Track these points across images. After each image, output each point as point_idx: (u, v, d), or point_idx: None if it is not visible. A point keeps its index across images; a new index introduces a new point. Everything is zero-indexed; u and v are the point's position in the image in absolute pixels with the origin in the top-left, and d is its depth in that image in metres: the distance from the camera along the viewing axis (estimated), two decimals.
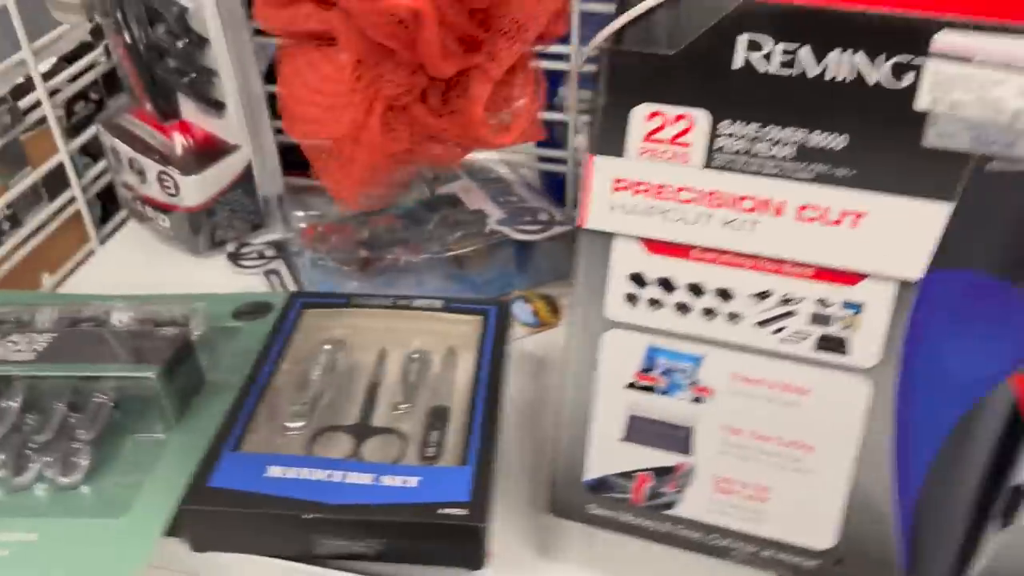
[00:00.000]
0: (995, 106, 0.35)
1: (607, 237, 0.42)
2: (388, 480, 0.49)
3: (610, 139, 0.41)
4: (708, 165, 0.40)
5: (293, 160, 0.75)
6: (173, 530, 0.48)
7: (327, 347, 0.61)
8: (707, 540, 0.46)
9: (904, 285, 0.39)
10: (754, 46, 0.37)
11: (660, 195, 0.41)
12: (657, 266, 0.42)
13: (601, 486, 0.47)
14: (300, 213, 0.74)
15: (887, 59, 0.36)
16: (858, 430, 0.41)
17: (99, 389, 0.55)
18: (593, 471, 0.46)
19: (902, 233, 0.38)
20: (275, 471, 0.49)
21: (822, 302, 0.40)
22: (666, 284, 0.42)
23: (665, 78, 0.39)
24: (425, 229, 0.71)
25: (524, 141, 0.43)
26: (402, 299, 0.63)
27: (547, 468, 0.47)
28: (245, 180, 0.77)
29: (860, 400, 0.41)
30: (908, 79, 0.36)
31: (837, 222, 0.39)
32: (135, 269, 0.77)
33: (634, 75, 0.39)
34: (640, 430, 0.45)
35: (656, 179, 0.41)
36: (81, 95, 0.83)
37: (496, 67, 0.39)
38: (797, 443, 0.43)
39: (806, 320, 0.41)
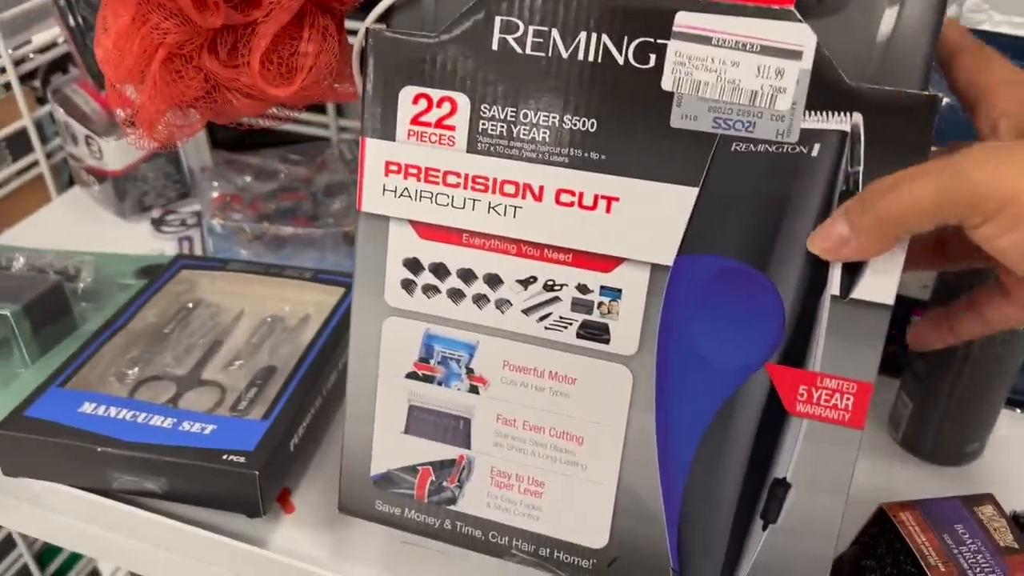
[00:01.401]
0: (734, 86, 0.34)
1: (383, 221, 0.41)
2: (187, 426, 0.50)
3: (380, 122, 0.39)
4: (472, 149, 0.38)
5: (226, 136, 0.78)
6: None
7: (190, 304, 0.63)
8: (488, 538, 0.43)
9: (657, 270, 0.37)
10: (508, 28, 0.37)
11: (429, 179, 0.39)
12: (430, 251, 0.40)
13: (387, 481, 0.44)
14: (215, 183, 0.75)
15: (631, 40, 0.35)
16: (622, 421, 0.39)
17: None
18: (379, 465, 0.44)
19: (653, 217, 0.37)
20: (87, 407, 0.51)
21: (582, 288, 0.39)
22: (439, 270, 0.41)
23: (429, 61, 0.38)
24: (330, 207, 0.73)
25: (315, 100, 0.43)
26: (274, 267, 0.65)
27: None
28: (170, 148, 0.78)
29: (623, 389, 0.39)
30: (652, 60, 0.35)
31: (592, 207, 0.37)
32: (69, 229, 0.79)
33: (400, 58, 0.38)
34: (420, 421, 0.43)
35: (424, 162, 0.39)
36: (59, 66, 0.86)
37: (268, 22, 0.38)
38: (567, 434, 0.41)
39: (568, 307, 0.39)
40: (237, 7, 0.39)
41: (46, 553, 0.94)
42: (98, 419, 0.50)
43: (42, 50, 0.83)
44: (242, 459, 0.47)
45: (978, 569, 0.42)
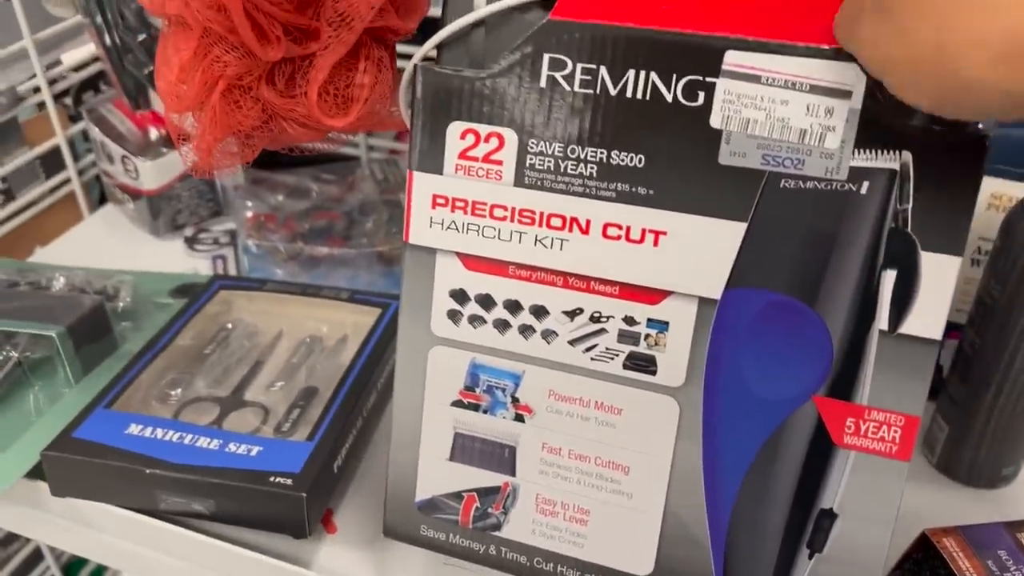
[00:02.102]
0: (783, 125, 0.35)
1: (430, 253, 0.41)
2: (233, 447, 0.50)
3: (428, 156, 0.40)
4: (519, 183, 0.39)
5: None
6: (42, 474, 0.51)
7: (228, 325, 0.63)
8: (533, 564, 0.44)
9: (704, 303, 0.37)
10: (557, 65, 0.37)
11: (476, 212, 0.40)
12: (476, 283, 0.41)
13: (431, 507, 0.45)
14: (249, 203, 0.75)
15: (680, 78, 0.35)
16: (669, 450, 0.40)
17: (11, 343, 0.59)
18: (423, 491, 0.45)
19: (701, 252, 0.37)
20: (134, 429, 0.51)
21: (628, 320, 0.39)
22: (485, 301, 0.41)
23: (477, 97, 0.38)
24: (364, 227, 0.73)
25: (370, 129, 0.44)
26: (311, 287, 0.65)
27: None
28: None
29: (669, 420, 0.39)
30: (701, 98, 0.35)
31: (639, 240, 0.38)
32: (103, 247, 0.80)
33: (449, 94, 0.39)
34: (466, 449, 0.43)
35: (471, 196, 0.40)
36: (91, 84, 0.88)
37: (326, 55, 0.39)
38: (613, 463, 0.41)
39: (615, 338, 0.39)
40: (296, 40, 0.40)
41: (72, 566, 0.95)
42: (145, 440, 0.50)
43: (75, 69, 0.84)
44: (289, 481, 0.48)
45: None
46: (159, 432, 0.51)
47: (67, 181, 0.84)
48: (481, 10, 0.38)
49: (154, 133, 0.78)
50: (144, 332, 0.63)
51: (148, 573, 0.54)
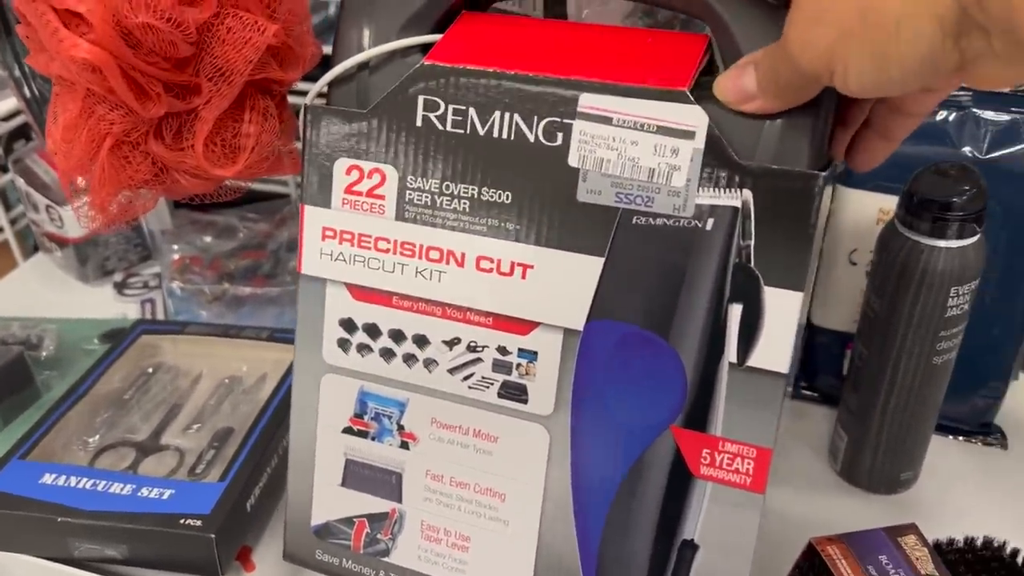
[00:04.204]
0: (633, 164, 0.36)
1: (321, 283, 0.42)
2: (145, 492, 0.51)
3: (317, 190, 0.41)
4: (400, 217, 0.40)
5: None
6: None
7: (149, 369, 0.63)
8: None
9: (569, 334, 0.38)
10: (430, 106, 0.39)
11: (361, 244, 0.41)
12: (363, 312, 0.42)
13: (326, 531, 0.45)
14: (175, 246, 0.76)
15: (540, 120, 0.37)
16: (541, 479, 0.40)
17: None
18: (318, 516, 0.45)
19: (564, 285, 0.38)
20: (48, 478, 0.51)
21: (502, 349, 0.40)
22: (372, 330, 0.42)
23: (360, 135, 0.40)
24: (290, 264, 0.74)
25: (264, 174, 0.45)
26: (233, 328, 0.66)
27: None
28: None
29: (540, 448, 0.40)
30: (559, 138, 0.37)
31: (509, 273, 0.39)
32: (34, 295, 0.80)
33: (335, 131, 0.40)
34: (356, 475, 0.44)
35: (356, 229, 0.41)
36: (21, 133, 0.87)
37: (208, 108, 0.40)
38: (491, 491, 0.42)
39: (490, 367, 0.40)
40: (178, 95, 0.41)
41: None
42: (58, 489, 0.50)
43: (3, 118, 0.83)
44: (199, 522, 0.48)
45: None
46: (72, 480, 0.51)
47: (0, 230, 0.84)
48: (364, 53, 0.40)
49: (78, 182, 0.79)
50: (69, 379, 0.63)
51: None
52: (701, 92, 0.35)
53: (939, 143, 0.52)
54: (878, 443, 0.53)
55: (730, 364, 0.36)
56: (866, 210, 0.54)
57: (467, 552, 0.43)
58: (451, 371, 0.41)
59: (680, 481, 0.38)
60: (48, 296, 0.79)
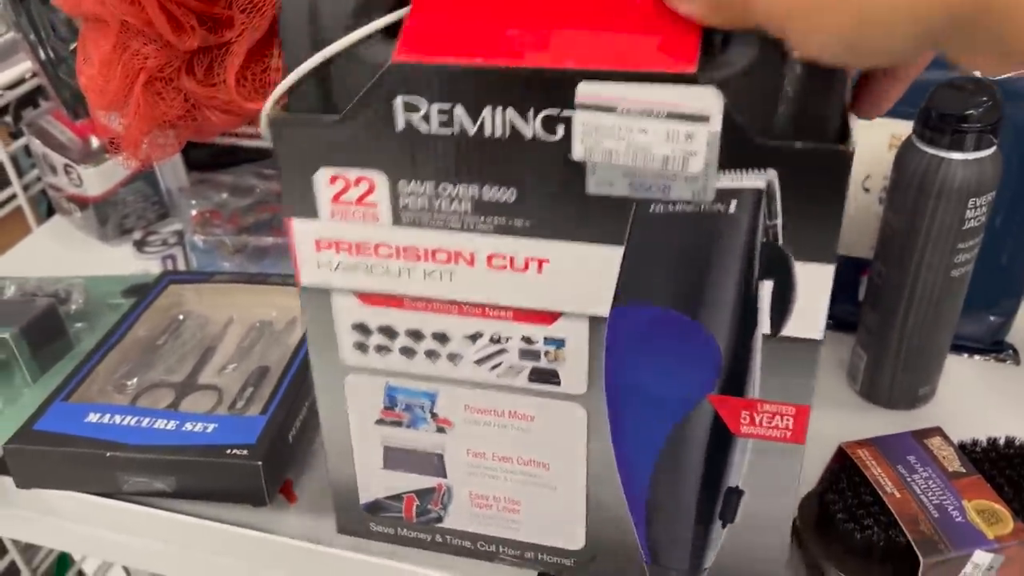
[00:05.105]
0: (645, 153, 0.33)
1: (325, 292, 0.40)
2: (189, 426, 0.52)
3: (301, 203, 0.38)
4: (397, 222, 0.38)
5: (198, 157, 0.78)
6: (5, 469, 0.52)
7: (180, 316, 0.64)
8: (477, 547, 0.46)
9: (595, 320, 0.37)
10: (411, 107, 0.35)
11: (361, 252, 0.39)
12: (376, 315, 0.40)
13: (376, 507, 0.47)
14: (193, 201, 0.74)
15: (536, 113, 0.34)
16: (582, 448, 0.41)
17: None
18: (365, 495, 0.46)
19: (583, 275, 0.36)
20: (92, 417, 0.52)
21: (527, 339, 0.39)
22: (388, 331, 0.41)
23: (338, 143, 0.36)
24: None
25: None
26: (258, 276, 0.66)
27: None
28: (147, 171, 0.79)
29: (578, 423, 0.40)
30: (560, 131, 0.34)
31: (524, 269, 0.37)
32: (54, 256, 0.80)
33: (308, 141, 0.37)
34: (397, 459, 0.44)
35: (353, 237, 0.38)
36: (29, 100, 0.87)
37: (239, 42, 0.39)
38: (533, 462, 0.42)
39: (517, 356, 0.39)
40: (211, 29, 0.40)
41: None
42: (104, 427, 0.52)
43: (10, 87, 0.83)
44: (245, 452, 0.49)
45: (930, 493, 0.45)
46: (117, 418, 0.52)
47: (13, 197, 0.82)
48: (319, 55, 0.35)
49: (95, 141, 0.76)
50: (99, 332, 0.64)
51: (118, 555, 0.56)
52: (711, 69, 0.32)
53: (952, 66, 0.50)
54: (897, 359, 0.54)
55: (764, 335, 0.36)
56: (878, 137, 0.52)
57: (518, 513, 0.44)
58: (477, 363, 0.40)
59: (721, 439, 0.39)
60: (69, 257, 0.78)
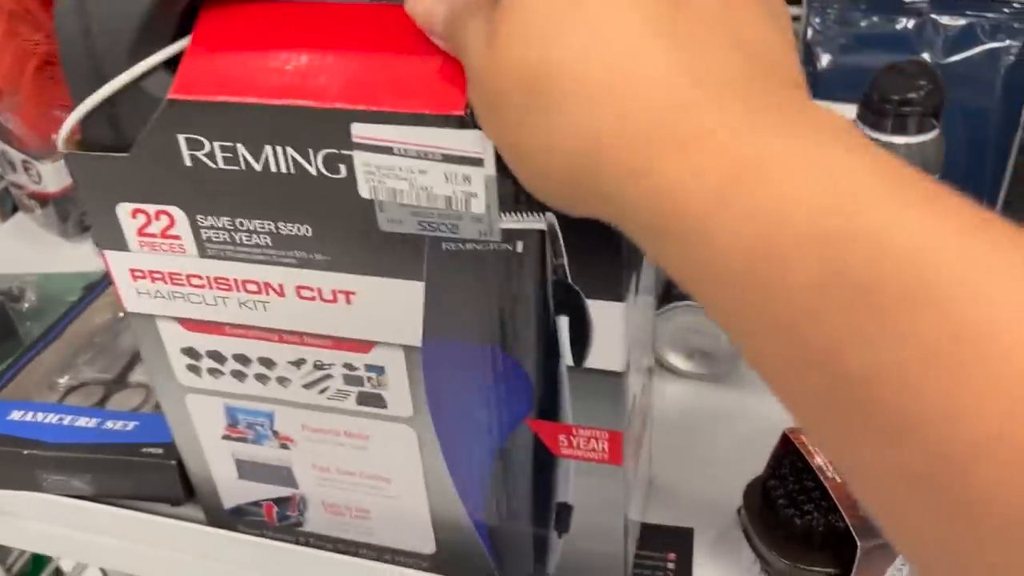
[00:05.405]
0: (428, 193, 0.32)
1: (150, 318, 0.40)
2: (110, 424, 0.52)
3: (109, 235, 0.37)
4: (204, 255, 0.37)
5: None
6: None
7: (120, 314, 0.62)
8: (337, 548, 0.47)
9: (410, 349, 0.37)
10: (194, 145, 0.33)
11: (175, 282, 0.38)
12: (201, 341, 0.40)
13: (240, 511, 0.47)
14: None
15: (317, 152, 0.32)
16: (417, 465, 0.41)
17: None
18: (228, 502, 0.47)
19: (391, 307, 0.36)
20: (15, 415, 0.53)
21: (348, 366, 0.38)
22: (216, 356, 0.40)
23: (131, 178, 0.35)
24: None
25: None
26: None
27: None
28: None
29: (409, 443, 0.40)
30: (344, 170, 0.32)
31: (333, 300, 0.36)
32: (15, 254, 0.77)
33: (102, 176, 0.36)
34: (249, 471, 0.45)
35: (164, 268, 0.38)
36: None
37: None
38: (375, 476, 0.43)
39: (342, 381, 0.39)
40: None
41: None
42: (25, 424, 0.52)
43: None
44: (160, 451, 0.49)
45: None
46: (40, 416, 0.52)
47: None
48: (98, 94, 0.33)
49: (54, 136, 0.73)
50: None
51: (86, 557, 0.55)
52: None
53: (899, 50, 0.50)
54: None
55: (568, 367, 0.35)
56: None
57: (370, 520, 0.45)
58: (305, 386, 0.40)
59: (546, 458, 0.39)
60: (31, 255, 0.77)
